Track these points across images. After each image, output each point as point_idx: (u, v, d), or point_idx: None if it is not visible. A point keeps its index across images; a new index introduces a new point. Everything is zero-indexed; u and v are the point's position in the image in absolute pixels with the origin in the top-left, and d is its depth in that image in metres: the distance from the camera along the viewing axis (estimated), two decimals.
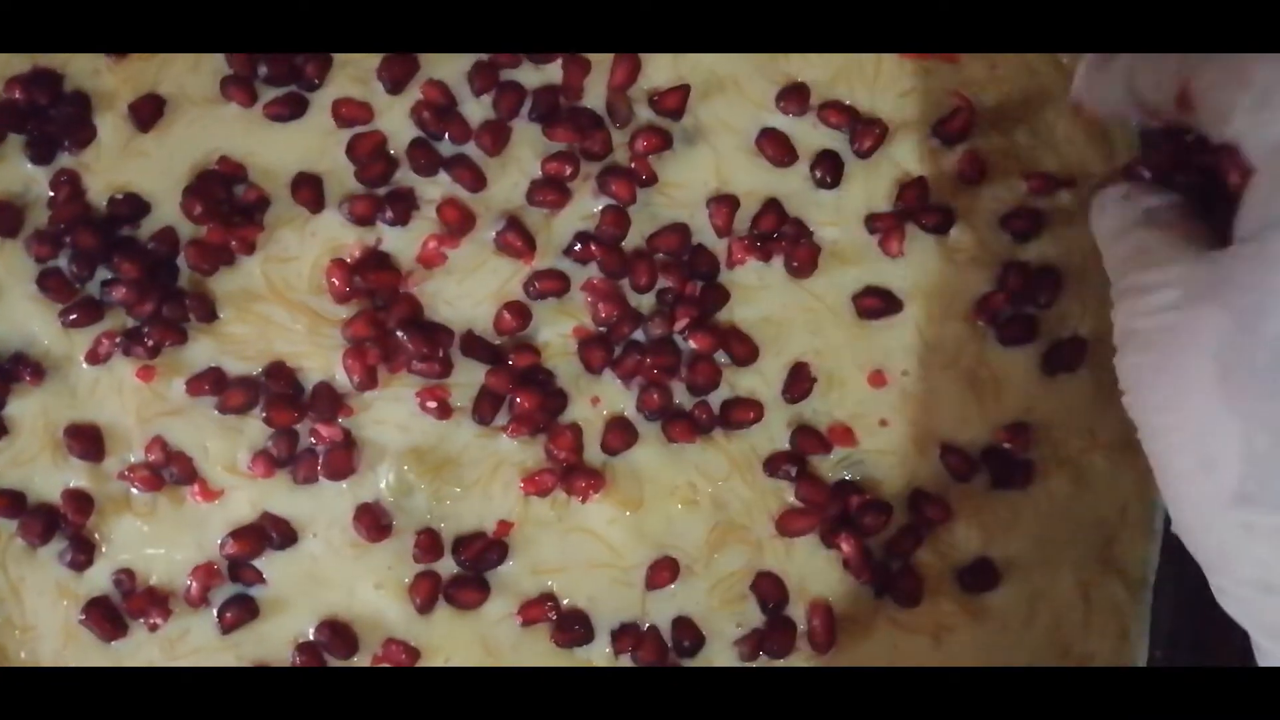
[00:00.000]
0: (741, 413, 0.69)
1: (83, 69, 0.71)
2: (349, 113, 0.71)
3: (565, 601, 0.69)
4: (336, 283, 0.69)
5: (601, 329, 0.70)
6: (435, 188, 0.71)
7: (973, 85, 0.72)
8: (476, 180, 0.70)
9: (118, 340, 0.69)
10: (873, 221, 0.71)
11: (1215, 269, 0.48)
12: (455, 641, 0.69)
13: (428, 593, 0.68)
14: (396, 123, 0.71)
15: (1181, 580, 0.70)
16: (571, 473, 0.69)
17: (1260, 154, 0.48)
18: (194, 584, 0.68)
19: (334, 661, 0.68)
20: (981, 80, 0.72)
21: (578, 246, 0.70)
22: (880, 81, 0.71)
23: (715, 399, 0.70)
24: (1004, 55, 0.72)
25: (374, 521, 0.68)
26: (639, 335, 0.70)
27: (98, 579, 0.69)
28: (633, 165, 0.71)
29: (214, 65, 0.71)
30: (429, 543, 0.68)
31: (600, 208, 0.71)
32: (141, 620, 0.69)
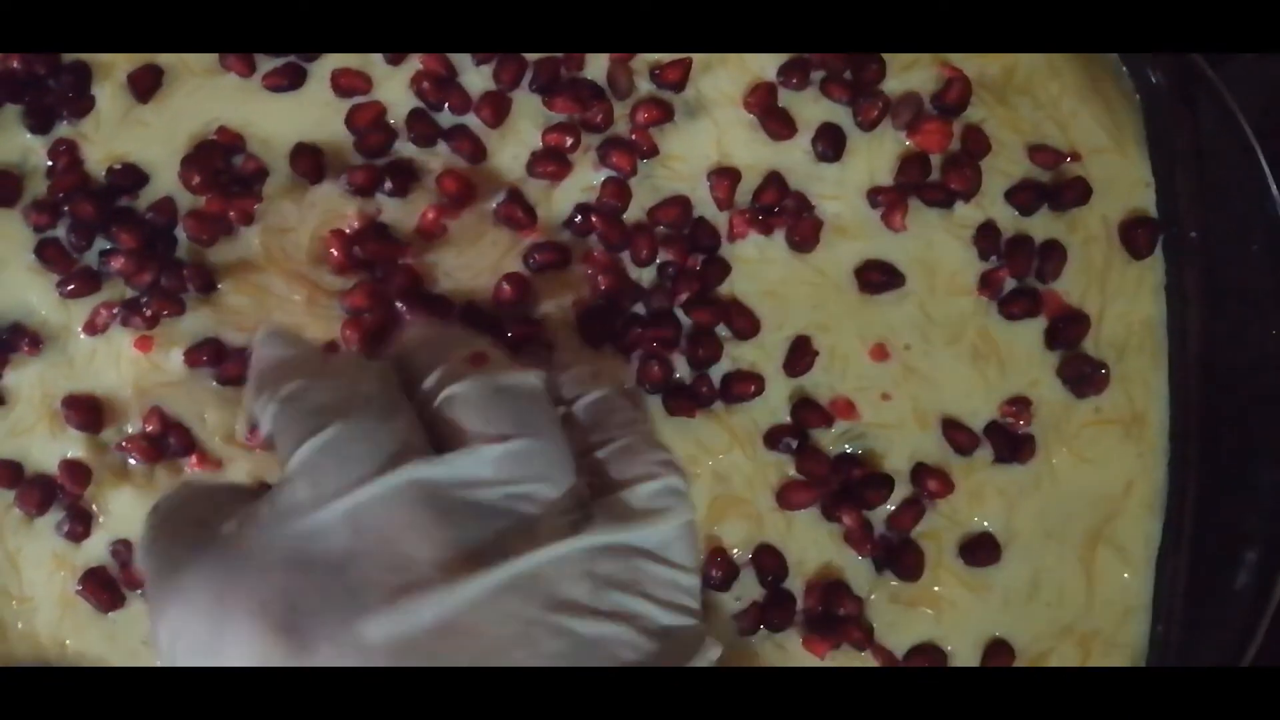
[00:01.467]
0: (742, 386, 0.69)
1: None
2: (348, 83, 0.70)
3: None
4: (336, 253, 0.69)
5: (602, 301, 0.70)
6: (435, 159, 0.70)
7: (976, 58, 0.71)
8: (476, 151, 0.70)
9: (116, 311, 0.69)
10: (875, 195, 0.70)
11: None
12: None
13: None
14: (396, 93, 0.71)
15: (1184, 557, 0.70)
16: None
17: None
18: None
19: None
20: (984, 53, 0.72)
21: (578, 218, 0.70)
22: (883, 54, 0.71)
23: (716, 372, 0.69)
24: None
25: None
26: (639, 308, 0.70)
27: (95, 550, 0.69)
28: (634, 137, 0.70)
29: None
30: None
31: (601, 180, 0.70)
32: (139, 591, 0.68)
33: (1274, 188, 0.67)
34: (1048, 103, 0.72)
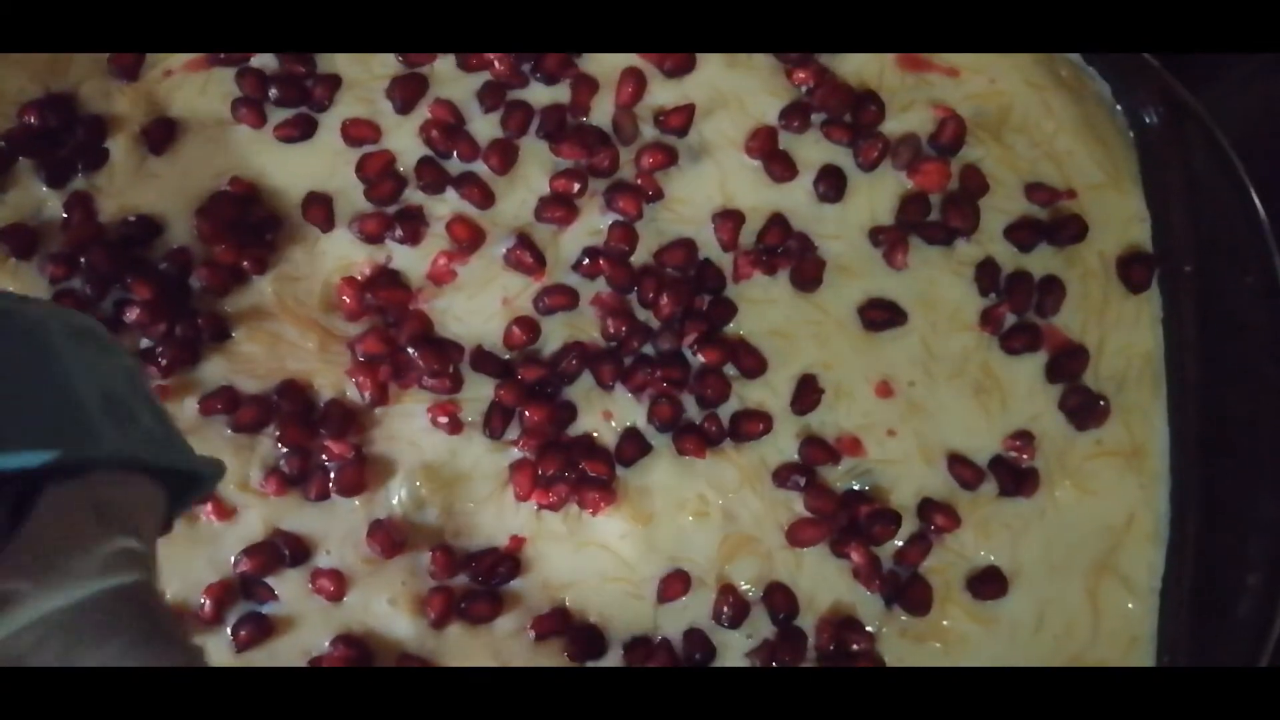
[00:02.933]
0: (751, 425, 0.70)
1: (94, 92, 0.72)
2: (358, 132, 0.72)
3: (578, 615, 0.69)
4: (348, 300, 0.70)
5: (611, 343, 0.71)
6: (444, 205, 0.72)
7: (973, 98, 0.73)
8: (485, 197, 0.71)
9: None
10: (877, 234, 0.72)
11: None
12: (468, 656, 0.69)
13: (442, 607, 0.68)
14: (405, 142, 0.72)
15: (1187, 585, 0.71)
16: (583, 487, 0.69)
17: None
18: (208, 602, 0.69)
19: None
20: (982, 93, 0.73)
21: (586, 262, 0.71)
22: (882, 96, 0.72)
23: (724, 411, 0.70)
24: (1002, 69, 0.73)
25: (387, 538, 0.69)
26: (648, 349, 0.71)
27: None
28: (639, 181, 0.72)
29: (224, 88, 0.72)
30: (444, 559, 0.68)
31: (608, 224, 0.71)
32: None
33: (1266, 222, 0.69)
34: (1043, 141, 0.73)
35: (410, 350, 0.70)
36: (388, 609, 0.69)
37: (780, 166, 0.72)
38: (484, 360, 0.70)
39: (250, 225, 0.71)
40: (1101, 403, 0.71)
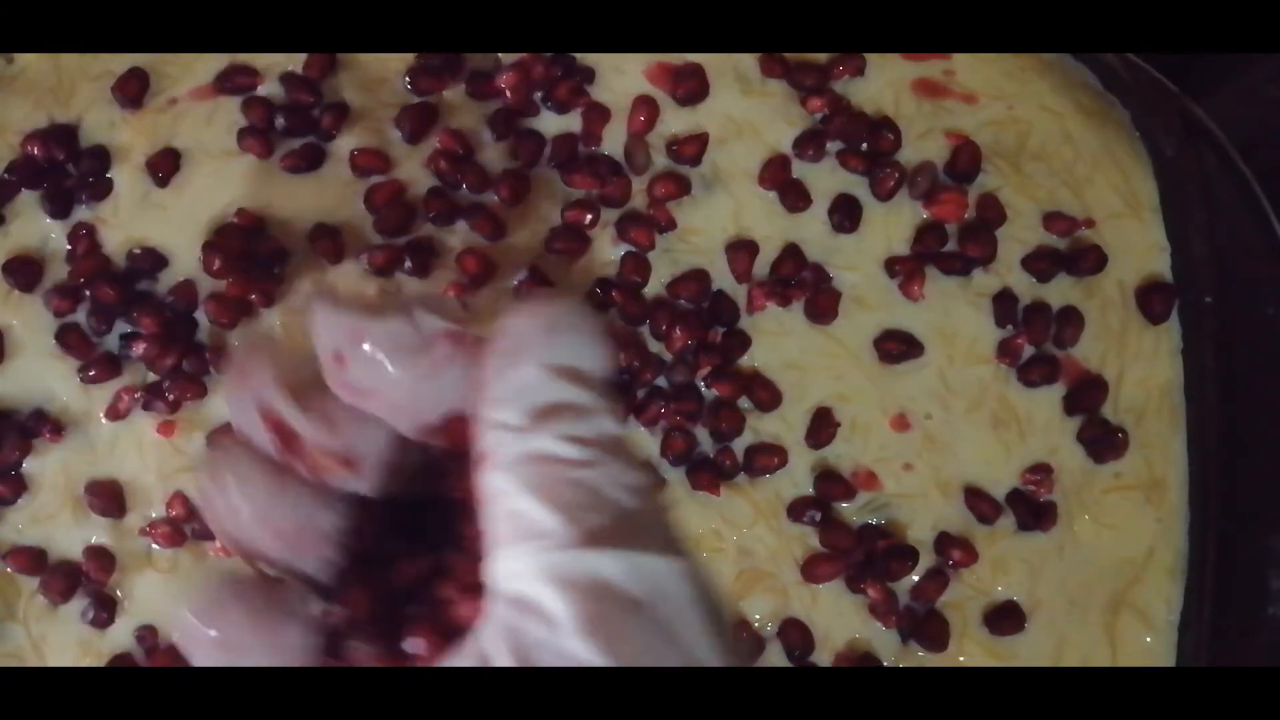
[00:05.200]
0: (765, 458, 0.69)
1: (99, 122, 0.71)
2: (366, 162, 0.71)
3: None
4: None
5: (624, 376, 0.70)
6: (454, 237, 0.71)
7: (991, 125, 0.72)
8: (496, 229, 0.70)
9: (137, 395, 0.69)
10: (893, 265, 0.71)
11: None
12: None
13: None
14: (414, 172, 0.71)
15: (1206, 621, 0.70)
16: None
17: None
18: None
19: None
20: (1000, 120, 0.72)
21: (598, 293, 0.70)
22: (899, 123, 0.71)
23: (739, 445, 0.70)
24: (1021, 95, 0.72)
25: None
26: (661, 381, 0.70)
27: (120, 636, 0.69)
28: (651, 212, 0.71)
29: (230, 118, 0.71)
30: None
31: (620, 255, 0.71)
32: None
33: None
34: (1062, 169, 0.72)
35: None
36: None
37: (794, 196, 0.71)
38: None
39: (258, 257, 0.70)
40: (1120, 435, 0.70)
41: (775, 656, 0.68)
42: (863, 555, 0.69)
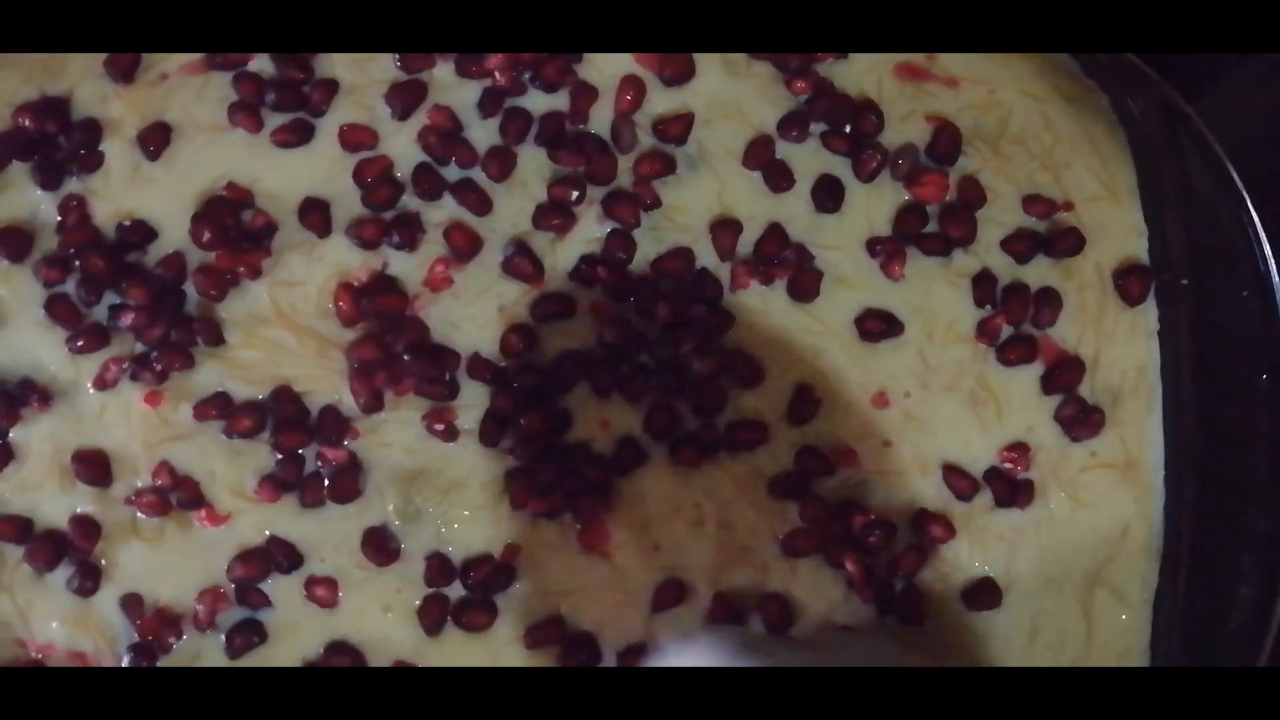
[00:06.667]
0: (746, 434, 0.70)
1: (90, 95, 0.72)
2: (355, 138, 0.71)
3: (572, 624, 0.69)
4: (344, 306, 0.70)
5: (608, 352, 0.71)
6: (441, 212, 0.71)
7: (972, 109, 0.73)
8: (482, 204, 0.71)
9: (125, 365, 0.70)
10: (874, 245, 0.72)
11: None
12: (463, 663, 0.69)
13: (436, 615, 0.68)
14: (403, 148, 0.72)
15: (1180, 598, 0.71)
16: (579, 495, 0.69)
17: None
18: (201, 608, 0.69)
19: None
20: (980, 104, 0.73)
21: (583, 270, 0.71)
22: (881, 106, 0.72)
23: (720, 421, 0.70)
24: (1001, 79, 0.73)
25: (381, 545, 0.69)
26: (645, 358, 0.71)
27: (104, 604, 0.69)
28: (637, 190, 0.71)
29: (220, 93, 0.72)
30: (439, 567, 0.69)
31: (605, 232, 0.71)
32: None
33: (1263, 237, 0.69)
34: (1041, 153, 0.73)
35: (406, 357, 0.70)
36: (382, 616, 0.69)
37: (778, 176, 0.72)
38: (480, 367, 0.70)
39: (247, 231, 0.71)
40: (1097, 415, 0.71)
41: (755, 629, 0.69)
42: (841, 530, 0.69)
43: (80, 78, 0.72)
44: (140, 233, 0.71)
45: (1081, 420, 0.71)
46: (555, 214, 0.71)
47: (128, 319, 0.69)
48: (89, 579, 0.69)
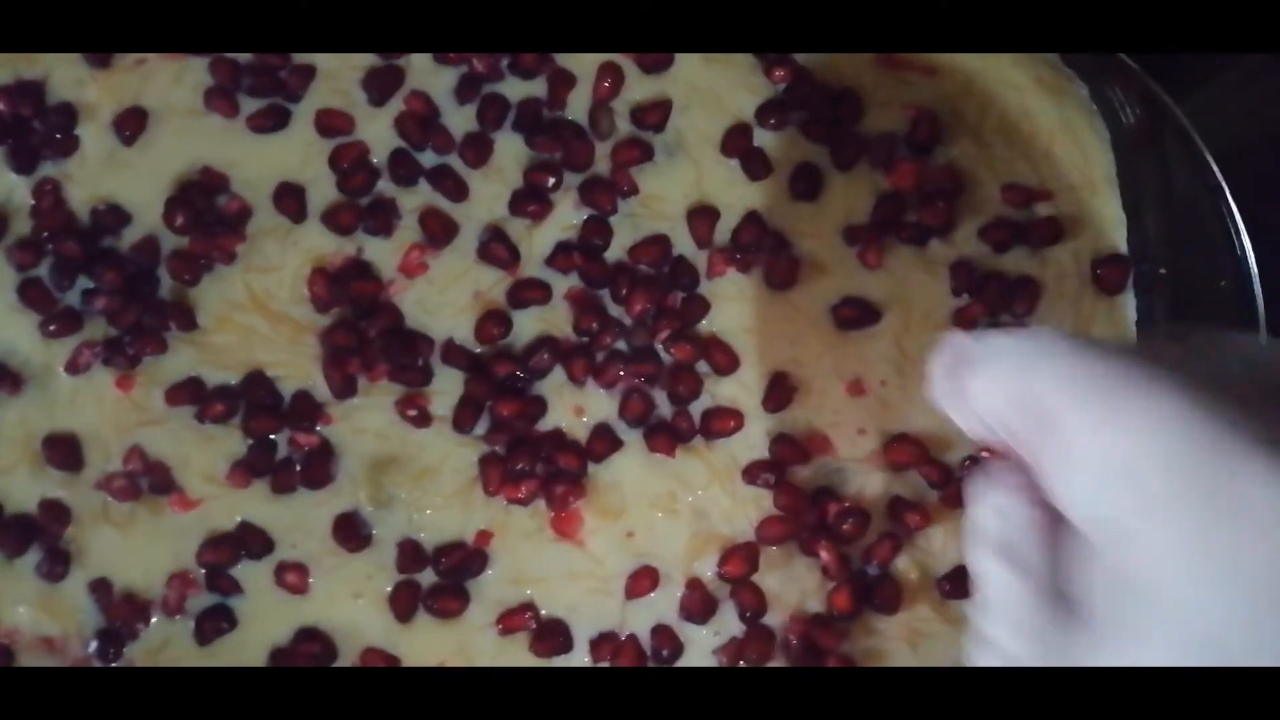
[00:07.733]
0: (722, 422, 0.70)
1: (66, 80, 0.72)
2: (331, 123, 0.71)
3: (544, 611, 0.69)
4: (318, 292, 0.70)
5: (584, 338, 0.70)
6: (417, 197, 0.71)
7: (951, 98, 0.73)
8: (458, 190, 0.71)
9: (98, 350, 0.69)
10: (852, 233, 0.71)
11: None
12: (435, 650, 0.68)
13: (408, 602, 0.68)
14: (379, 133, 0.72)
15: None
16: (553, 482, 0.69)
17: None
18: (171, 593, 0.68)
19: None
20: (959, 93, 0.73)
21: (559, 257, 0.71)
22: (860, 94, 0.72)
23: (696, 408, 0.70)
24: (981, 69, 0.73)
25: (353, 531, 0.68)
26: (621, 345, 0.71)
27: (73, 590, 0.69)
28: (614, 177, 0.71)
29: (196, 78, 0.72)
30: (411, 553, 0.68)
31: (582, 219, 0.71)
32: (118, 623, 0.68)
33: (1241, 227, 0.69)
34: (1020, 142, 0.73)
35: (379, 343, 0.69)
36: (353, 603, 0.69)
37: (756, 164, 0.72)
38: (454, 354, 0.70)
39: (221, 216, 0.71)
40: None
41: (728, 617, 0.69)
42: (816, 518, 0.69)
43: (56, 62, 0.72)
44: (114, 217, 0.70)
45: None
46: (532, 200, 0.71)
47: (100, 303, 0.69)
48: (58, 564, 0.68)
